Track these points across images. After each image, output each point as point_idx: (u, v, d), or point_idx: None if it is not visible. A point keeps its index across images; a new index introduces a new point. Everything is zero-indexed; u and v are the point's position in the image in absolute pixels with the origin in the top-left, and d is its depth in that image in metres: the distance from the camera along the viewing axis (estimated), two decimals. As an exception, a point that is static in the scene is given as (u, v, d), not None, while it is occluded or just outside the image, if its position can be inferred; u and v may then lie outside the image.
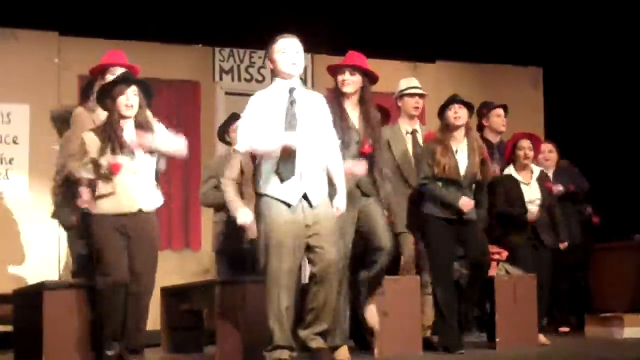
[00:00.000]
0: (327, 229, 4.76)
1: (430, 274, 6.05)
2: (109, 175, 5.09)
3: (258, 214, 4.79)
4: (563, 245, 6.94)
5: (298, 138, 4.72)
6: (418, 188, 6.12)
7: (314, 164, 4.79)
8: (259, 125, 4.75)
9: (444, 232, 5.96)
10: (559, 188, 7.35)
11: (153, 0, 8.43)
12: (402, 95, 6.57)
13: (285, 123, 4.76)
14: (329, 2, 8.75)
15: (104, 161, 5.09)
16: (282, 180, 4.70)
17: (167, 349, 6.58)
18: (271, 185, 4.73)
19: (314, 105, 4.92)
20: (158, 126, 5.32)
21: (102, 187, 5.14)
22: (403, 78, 6.76)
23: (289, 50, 4.85)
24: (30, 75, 8.21)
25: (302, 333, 4.78)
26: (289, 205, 4.71)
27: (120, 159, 5.11)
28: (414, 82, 6.61)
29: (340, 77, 5.53)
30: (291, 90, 4.85)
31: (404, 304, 5.82)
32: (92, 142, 5.16)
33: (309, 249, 4.74)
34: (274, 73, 4.93)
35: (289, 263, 4.66)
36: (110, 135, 5.14)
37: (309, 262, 4.82)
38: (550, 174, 7.30)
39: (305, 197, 4.73)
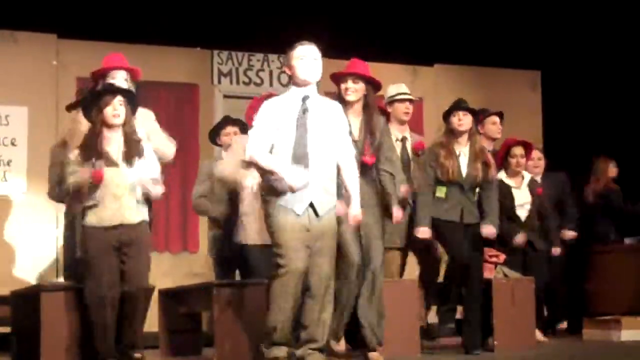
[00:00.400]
0: (328, 247, 4.78)
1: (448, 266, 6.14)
2: (92, 184, 5.05)
3: (266, 217, 4.80)
4: (555, 251, 7.09)
5: (308, 175, 4.70)
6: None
7: (323, 173, 4.78)
8: (270, 133, 4.75)
9: (453, 227, 6.02)
10: (570, 233, 7.52)
11: (152, 3, 8.44)
12: (392, 101, 6.52)
13: (296, 138, 4.73)
14: (327, 5, 8.76)
15: (87, 173, 5.05)
16: (292, 191, 4.69)
17: (165, 352, 6.56)
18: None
19: (329, 114, 4.89)
20: (150, 128, 5.31)
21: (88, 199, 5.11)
22: (397, 82, 6.72)
23: (307, 57, 4.84)
24: (29, 77, 8.21)
25: (299, 351, 4.75)
26: (296, 214, 4.71)
27: (105, 170, 5.08)
28: (403, 87, 6.56)
29: (343, 86, 5.44)
30: (304, 99, 4.82)
31: (403, 306, 5.82)
32: (77, 160, 5.13)
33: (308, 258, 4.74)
34: (291, 80, 4.92)
35: (295, 263, 4.66)
36: (92, 150, 5.11)
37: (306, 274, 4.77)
38: (538, 179, 7.33)
39: (311, 206, 4.72)
